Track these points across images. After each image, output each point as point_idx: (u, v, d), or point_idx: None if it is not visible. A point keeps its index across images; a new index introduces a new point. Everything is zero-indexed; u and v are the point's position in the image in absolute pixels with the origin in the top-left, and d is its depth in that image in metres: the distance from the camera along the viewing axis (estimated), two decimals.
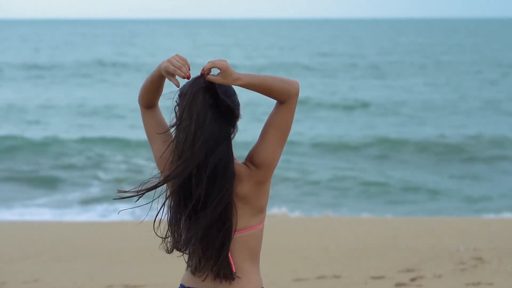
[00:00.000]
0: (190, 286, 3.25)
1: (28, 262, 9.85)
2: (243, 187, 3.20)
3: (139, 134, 23.61)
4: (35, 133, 25.48)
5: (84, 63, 55.60)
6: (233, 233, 3.18)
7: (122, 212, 15.78)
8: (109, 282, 8.70)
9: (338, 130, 27.03)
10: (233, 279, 3.19)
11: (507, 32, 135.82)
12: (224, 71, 3.08)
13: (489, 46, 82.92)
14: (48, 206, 16.14)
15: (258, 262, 3.29)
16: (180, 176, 3.11)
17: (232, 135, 3.21)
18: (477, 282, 8.27)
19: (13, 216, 15.06)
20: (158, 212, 3.25)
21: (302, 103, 32.34)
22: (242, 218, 3.21)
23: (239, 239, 3.21)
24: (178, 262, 3.33)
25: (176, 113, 3.16)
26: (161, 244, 3.25)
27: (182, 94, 3.14)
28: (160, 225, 3.24)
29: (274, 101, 3.21)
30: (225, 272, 3.18)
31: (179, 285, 3.35)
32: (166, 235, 3.24)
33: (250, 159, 3.23)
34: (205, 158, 3.11)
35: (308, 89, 38.63)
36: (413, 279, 8.49)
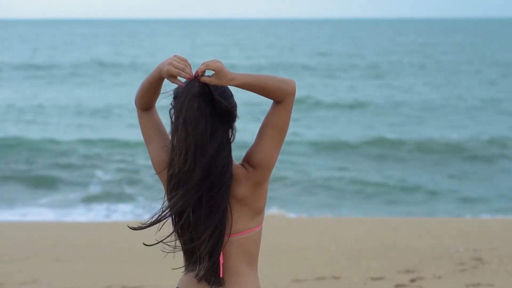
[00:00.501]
0: None
1: (27, 263, 9.82)
2: (240, 189, 3.16)
3: (138, 134, 23.59)
4: (33, 133, 25.45)
5: (82, 63, 55.57)
6: (226, 236, 3.14)
7: (121, 212, 15.81)
8: (108, 283, 8.68)
9: (337, 130, 27.01)
10: (222, 284, 3.16)
11: (507, 32, 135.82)
12: (218, 72, 3.04)
13: (488, 46, 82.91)
14: (46, 206, 16.11)
15: (255, 265, 3.26)
16: (186, 205, 3.09)
17: (231, 138, 3.18)
18: (477, 283, 8.25)
19: (12, 216, 15.03)
20: (160, 217, 3.20)
21: (301, 102, 32.34)
22: (239, 220, 3.17)
23: (236, 241, 3.18)
24: (177, 264, 3.30)
25: (171, 118, 3.13)
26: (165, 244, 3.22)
27: (177, 97, 3.11)
28: (160, 228, 3.21)
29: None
30: (214, 278, 3.15)
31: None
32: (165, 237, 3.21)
33: (247, 160, 3.19)
34: (206, 170, 3.08)
35: (307, 89, 38.62)
36: (413, 280, 8.47)
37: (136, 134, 24.13)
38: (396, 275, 8.72)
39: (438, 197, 17.48)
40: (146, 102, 3.28)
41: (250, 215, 3.19)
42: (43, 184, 18.32)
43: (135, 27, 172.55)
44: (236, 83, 3.06)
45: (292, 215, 15.01)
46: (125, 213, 15.65)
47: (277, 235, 11.10)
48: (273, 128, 3.16)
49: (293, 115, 26.90)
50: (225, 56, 65.10)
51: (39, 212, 15.52)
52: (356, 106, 33.35)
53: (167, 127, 3.21)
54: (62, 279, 8.97)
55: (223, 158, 3.11)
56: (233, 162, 3.18)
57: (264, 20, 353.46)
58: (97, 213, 15.54)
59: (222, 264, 3.17)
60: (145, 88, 3.24)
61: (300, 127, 26.91)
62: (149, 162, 3.33)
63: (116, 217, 15.27)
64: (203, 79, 3.06)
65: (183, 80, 3.12)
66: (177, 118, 3.09)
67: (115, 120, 29.72)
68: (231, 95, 3.19)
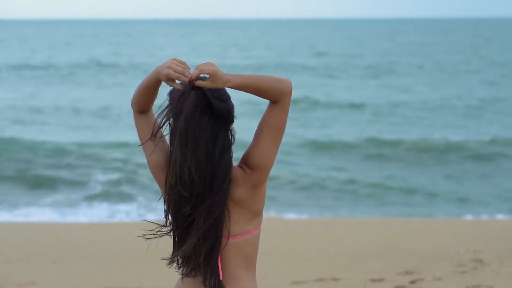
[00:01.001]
0: None
1: (24, 264, 9.79)
2: (238, 191, 3.13)
3: (137, 134, 23.52)
4: (30, 134, 25.41)
5: (81, 63, 55.55)
6: (223, 239, 3.11)
7: (120, 213, 15.77)
8: (106, 284, 8.65)
9: (336, 130, 26.98)
10: None
11: (506, 32, 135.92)
12: (213, 75, 3.00)
13: (488, 46, 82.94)
14: (45, 207, 16.08)
15: (254, 269, 3.22)
16: (186, 210, 3.08)
17: (232, 141, 3.14)
18: (477, 285, 8.22)
19: (11, 217, 14.99)
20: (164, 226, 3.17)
21: (299, 102, 32.31)
22: (237, 223, 3.14)
23: (233, 244, 3.14)
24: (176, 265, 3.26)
25: (168, 121, 3.10)
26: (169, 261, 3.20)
27: (173, 102, 3.08)
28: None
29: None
30: (213, 282, 3.11)
31: None
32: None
33: (245, 162, 3.16)
34: (210, 175, 3.07)
35: (305, 89, 38.60)
36: (412, 282, 8.44)
37: (135, 134, 24.07)
38: (396, 277, 8.69)
39: (437, 197, 17.44)
40: (142, 105, 3.25)
41: (248, 217, 3.16)
42: (40, 184, 18.27)
43: (134, 28, 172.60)
44: (231, 84, 3.02)
45: (291, 216, 14.98)
46: (124, 213, 15.61)
47: (276, 236, 11.07)
48: (270, 129, 3.12)
49: (291, 115, 26.84)
50: (224, 56, 65.13)
51: (37, 212, 15.47)
52: (355, 106, 33.32)
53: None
54: (60, 280, 8.94)
55: (226, 162, 3.08)
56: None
57: (263, 20, 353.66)
58: (95, 214, 15.50)
59: (220, 267, 3.14)
60: (142, 91, 3.20)
61: (299, 127, 26.88)
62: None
63: (115, 217, 15.23)
64: (198, 83, 3.02)
65: (183, 83, 3.08)
66: (175, 125, 3.05)
67: (113, 120, 29.68)
68: (229, 97, 3.15)
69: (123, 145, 22.81)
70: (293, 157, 21.66)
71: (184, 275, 3.17)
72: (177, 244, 3.14)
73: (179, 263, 3.16)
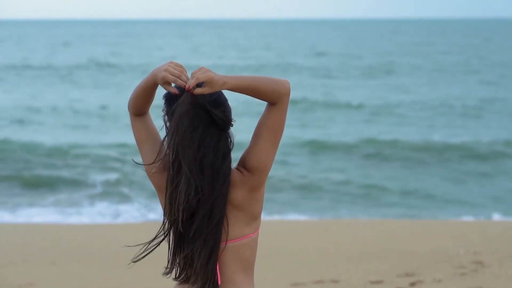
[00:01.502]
0: None
1: (22, 266, 9.75)
2: (236, 194, 3.10)
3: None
4: (28, 134, 25.38)
5: (80, 63, 55.52)
6: (222, 243, 3.07)
7: (118, 214, 15.73)
8: (105, 286, 8.62)
9: (335, 131, 26.95)
10: None
11: (506, 32, 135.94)
12: (209, 82, 2.97)
13: (487, 46, 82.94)
14: (42, 208, 16.04)
15: (252, 273, 3.18)
16: (187, 215, 3.06)
17: (231, 146, 3.11)
18: (477, 287, 8.18)
19: (8, 217, 14.95)
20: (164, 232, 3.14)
21: (298, 103, 32.26)
22: (235, 226, 3.10)
23: (231, 248, 3.11)
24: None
25: (165, 125, 3.07)
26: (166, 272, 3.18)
27: (170, 110, 3.05)
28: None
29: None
30: (211, 287, 3.07)
31: None
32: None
33: (243, 164, 3.13)
34: (211, 182, 3.05)
35: (304, 89, 38.56)
36: (412, 284, 8.40)
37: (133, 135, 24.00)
38: (396, 279, 8.66)
39: (437, 199, 17.40)
40: (139, 108, 3.21)
41: (246, 220, 3.12)
42: (38, 185, 18.22)
43: (133, 28, 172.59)
44: (228, 87, 2.99)
45: (290, 217, 14.95)
46: (123, 214, 15.57)
47: (275, 238, 11.03)
48: (268, 130, 3.09)
49: (290, 115, 26.82)
50: (222, 56, 65.10)
51: (36, 213, 15.44)
52: (354, 106, 33.29)
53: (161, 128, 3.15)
54: (58, 282, 8.90)
55: (226, 168, 3.05)
56: None
57: (262, 21, 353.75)
58: (94, 215, 15.46)
59: (218, 272, 3.10)
60: (138, 94, 3.17)
61: (297, 128, 26.84)
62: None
63: (114, 218, 15.19)
64: (196, 91, 2.99)
65: (179, 87, 3.05)
66: (172, 133, 3.02)
67: (112, 120, 29.64)
68: (225, 100, 3.13)
69: (121, 145, 22.76)
70: (292, 158, 21.63)
71: (181, 281, 3.14)
72: (176, 250, 3.10)
73: (177, 270, 3.13)
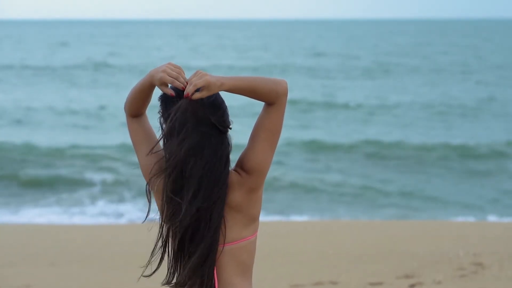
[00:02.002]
0: None
1: (21, 266, 9.72)
2: (234, 196, 3.06)
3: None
4: (25, 135, 25.35)
5: (79, 64, 55.52)
6: (220, 245, 3.03)
7: (118, 215, 15.70)
8: (103, 287, 8.59)
9: (333, 131, 26.93)
10: None
11: (505, 33, 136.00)
12: (207, 86, 2.94)
13: (486, 47, 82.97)
14: (40, 208, 16.01)
15: (250, 277, 3.14)
16: (187, 220, 3.02)
17: (229, 149, 3.07)
18: None
19: (7, 218, 14.93)
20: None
21: (297, 103, 32.24)
22: (233, 228, 3.06)
23: (229, 251, 3.07)
24: None
25: (162, 127, 3.04)
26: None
27: (167, 116, 3.02)
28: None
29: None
30: None
31: None
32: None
33: (241, 165, 3.09)
34: (211, 186, 3.02)
35: (302, 89, 38.55)
36: (412, 285, 8.37)
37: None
38: (395, 280, 8.62)
39: (436, 199, 17.38)
40: (135, 109, 3.18)
41: (244, 222, 3.09)
42: (36, 186, 18.20)
43: (133, 28, 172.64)
44: (225, 88, 2.97)
45: (289, 218, 14.93)
46: (121, 215, 15.54)
47: (274, 239, 11.01)
48: (266, 131, 3.05)
49: (289, 116, 26.77)
50: (221, 56, 65.09)
51: (34, 214, 15.42)
52: (353, 107, 33.27)
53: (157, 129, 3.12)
54: (56, 283, 8.88)
55: (225, 172, 3.03)
56: None
57: (261, 21, 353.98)
58: (92, 216, 15.44)
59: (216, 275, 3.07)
60: (135, 95, 3.13)
61: (296, 128, 26.82)
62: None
63: (112, 219, 15.16)
64: (195, 96, 2.96)
65: (176, 88, 3.02)
66: (171, 139, 3.00)
67: (110, 120, 29.61)
68: (222, 101, 3.09)
69: (120, 146, 22.73)
70: (290, 159, 21.60)
71: (178, 286, 3.10)
72: (176, 255, 3.06)
73: (175, 275, 3.10)
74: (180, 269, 3.07)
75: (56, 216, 15.22)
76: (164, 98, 3.08)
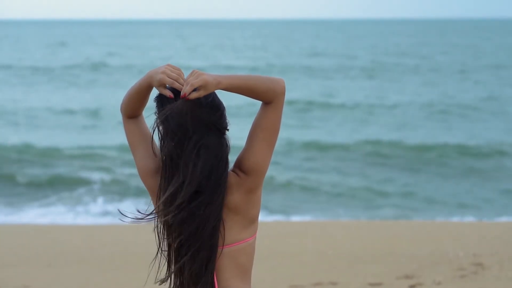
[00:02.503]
0: None
1: (19, 268, 9.69)
2: (233, 197, 3.02)
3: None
4: (24, 136, 25.34)
5: (77, 63, 55.52)
6: (218, 248, 3.00)
7: (115, 216, 15.67)
8: None
9: (332, 131, 26.92)
10: None
11: (504, 33, 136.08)
12: (204, 85, 2.90)
13: (485, 47, 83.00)
14: (39, 209, 15.99)
15: (249, 279, 3.10)
16: (185, 221, 2.99)
17: (228, 150, 3.04)
18: None
19: (5, 218, 14.91)
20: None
21: (295, 103, 32.22)
22: (232, 230, 3.03)
23: (228, 253, 3.03)
24: None
25: (158, 129, 3.00)
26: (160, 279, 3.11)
27: (165, 118, 2.98)
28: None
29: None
30: None
31: None
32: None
33: (239, 166, 3.06)
34: (213, 189, 2.99)
35: (301, 89, 38.53)
36: (412, 286, 8.34)
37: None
38: (395, 281, 8.59)
39: (436, 200, 17.36)
40: (132, 110, 3.14)
41: (243, 224, 3.05)
42: (34, 186, 18.17)
43: (131, 28, 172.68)
44: (222, 86, 2.93)
45: (288, 219, 14.91)
46: (119, 215, 15.50)
47: (274, 239, 10.98)
48: (264, 131, 3.01)
49: (287, 116, 26.72)
50: (219, 56, 65.09)
51: (33, 215, 15.40)
52: (353, 107, 33.26)
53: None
54: (54, 284, 8.85)
55: (225, 174, 3.00)
56: None
57: (259, 21, 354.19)
58: (90, 216, 15.41)
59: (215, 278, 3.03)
60: (132, 96, 3.09)
61: (294, 129, 26.80)
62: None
63: (111, 219, 15.13)
64: (192, 95, 2.92)
65: (174, 89, 2.99)
66: (168, 141, 2.96)
67: (108, 120, 29.58)
68: (220, 102, 3.05)
69: (118, 146, 22.70)
70: (289, 159, 21.58)
71: (175, 286, 3.06)
72: (175, 256, 3.02)
73: (174, 277, 3.06)
74: (180, 273, 3.03)
75: (53, 217, 15.20)
76: (159, 99, 3.04)
